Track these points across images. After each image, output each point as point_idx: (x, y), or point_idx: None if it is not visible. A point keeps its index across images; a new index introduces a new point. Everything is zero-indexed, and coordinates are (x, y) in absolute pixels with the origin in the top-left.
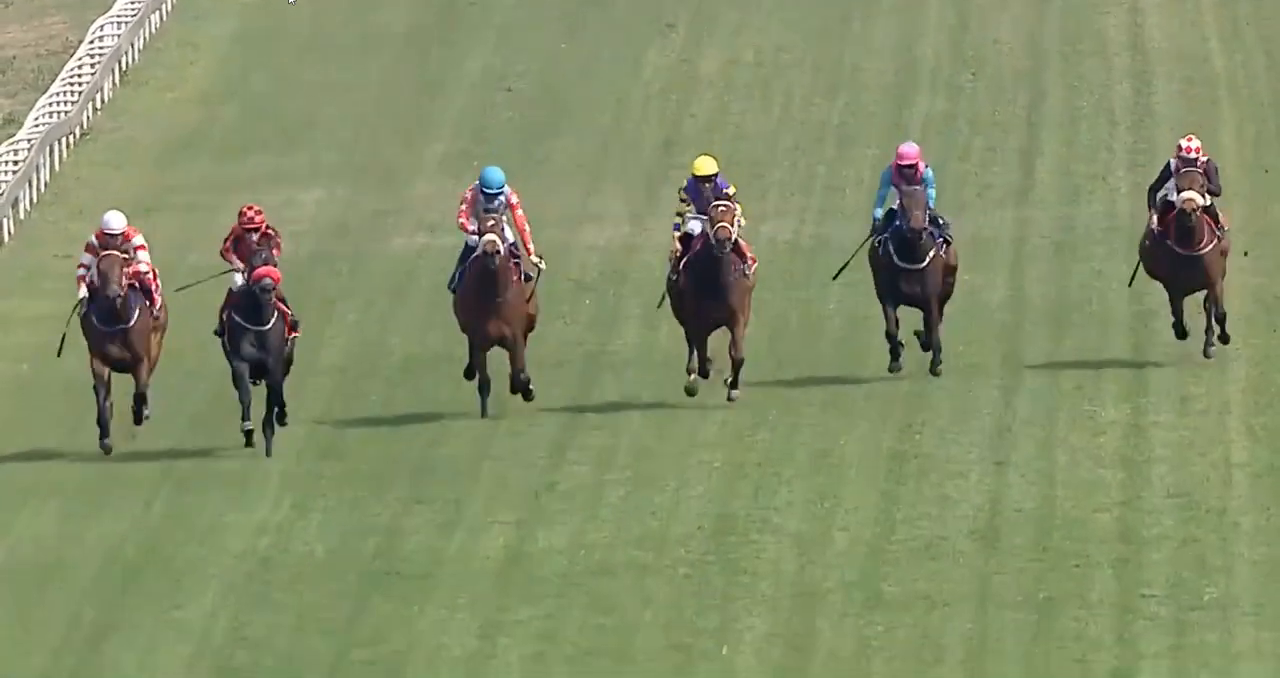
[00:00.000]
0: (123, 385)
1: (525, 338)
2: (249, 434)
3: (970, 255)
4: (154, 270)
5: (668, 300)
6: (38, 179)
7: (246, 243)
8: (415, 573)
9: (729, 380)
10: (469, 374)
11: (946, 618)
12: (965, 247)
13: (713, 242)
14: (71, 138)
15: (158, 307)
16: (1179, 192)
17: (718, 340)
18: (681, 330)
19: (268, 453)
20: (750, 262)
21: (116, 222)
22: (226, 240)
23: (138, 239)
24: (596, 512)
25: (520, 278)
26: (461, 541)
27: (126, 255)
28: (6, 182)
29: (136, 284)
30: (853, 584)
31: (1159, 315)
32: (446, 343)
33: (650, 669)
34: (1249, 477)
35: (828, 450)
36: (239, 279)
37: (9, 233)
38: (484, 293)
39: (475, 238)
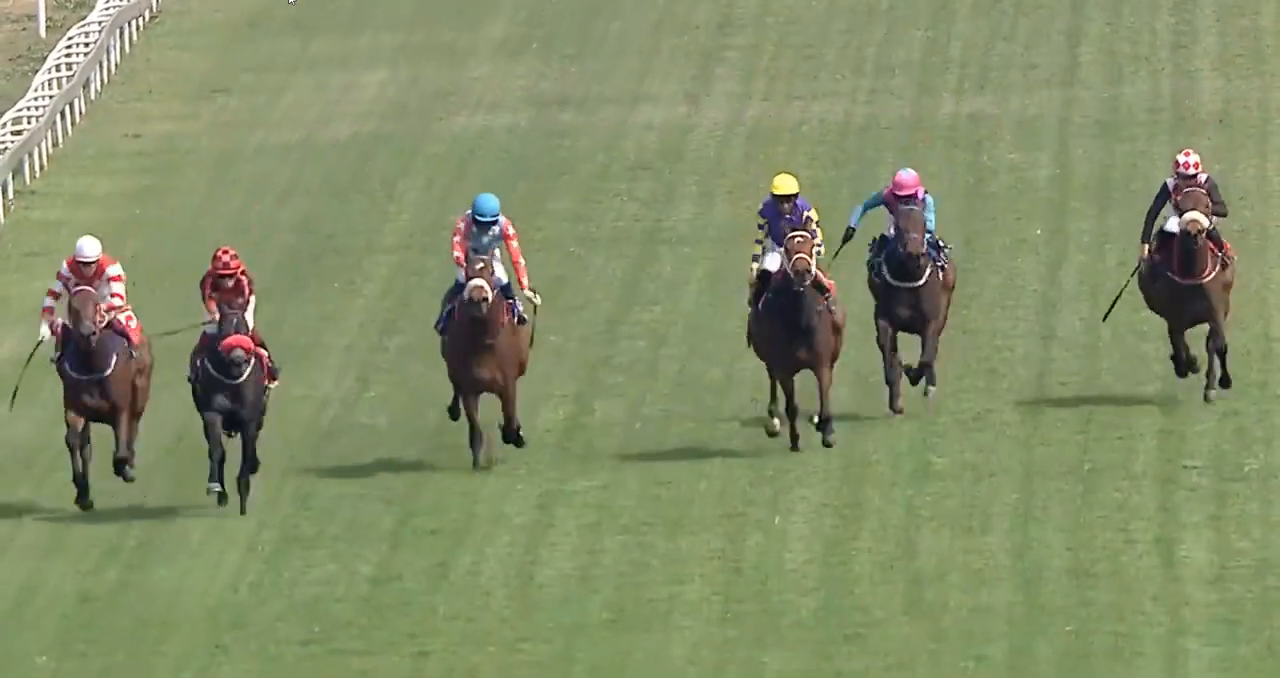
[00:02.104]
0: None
1: (516, 382)
2: (220, 496)
3: (1017, 136)
4: (128, 308)
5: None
6: (109, 61)
7: (222, 289)
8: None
9: (818, 421)
10: (454, 414)
11: (993, 488)
12: (1012, 129)
13: (790, 275)
14: (142, 20)
15: (138, 347)
16: (1180, 212)
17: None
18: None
19: (242, 511)
20: (829, 291)
21: (90, 249)
22: (205, 284)
23: (113, 268)
24: (653, 385)
25: (513, 319)
26: (521, 413)
27: (99, 294)
28: (78, 63)
29: (112, 324)
30: (901, 456)
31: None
32: (512, 212)
33: (704, 539)
34: None
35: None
36: (213, 328)
37: (80, 113)
38: (474, 338)
39: (463, 275)
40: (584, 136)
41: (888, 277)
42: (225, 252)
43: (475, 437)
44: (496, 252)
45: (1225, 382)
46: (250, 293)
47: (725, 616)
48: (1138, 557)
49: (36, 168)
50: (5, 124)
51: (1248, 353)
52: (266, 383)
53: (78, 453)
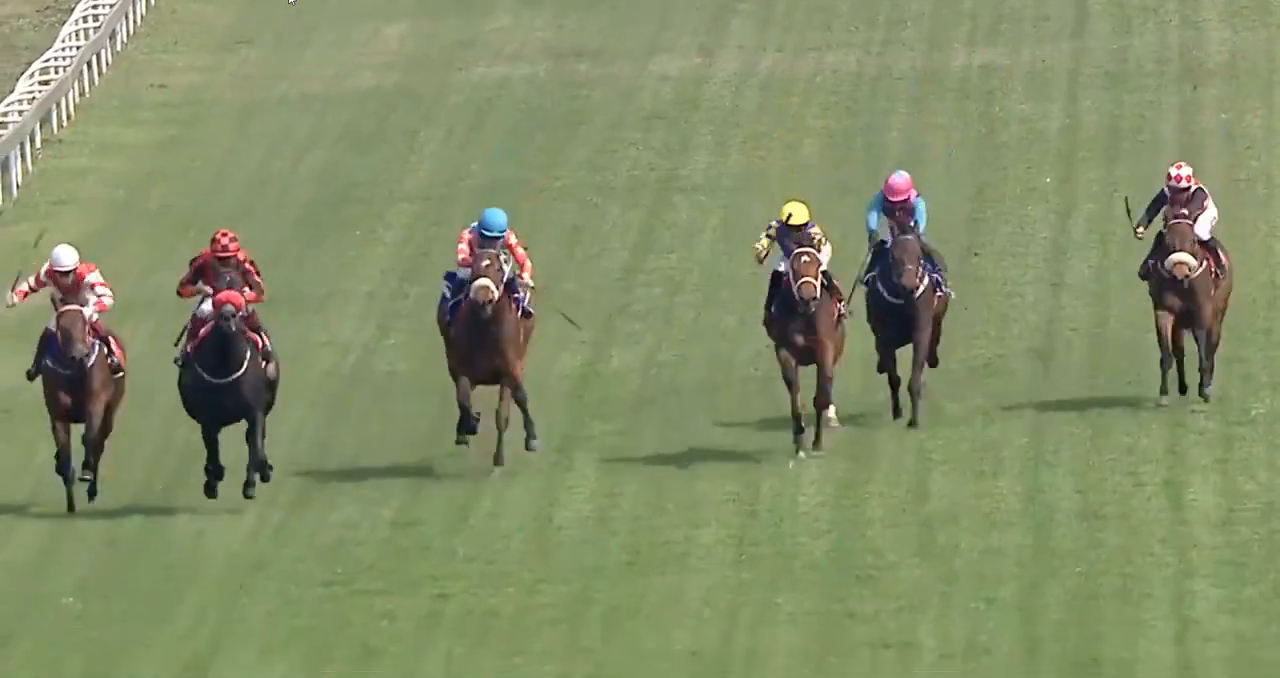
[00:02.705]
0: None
1: (520, 368)
2: (212, 485)
3: (1027, 86)
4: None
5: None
6: (135, 12)
7: (217, 273)
8: (493, 391)
9: (817, 400)
10: (465, 427)
11: (1003, 433)
12: (1023, 80)
13: (798, 300)
14: None
15: (118, 357)
16: (1168, 251)
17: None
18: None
19: (246, 494)
20: (835, 300)
21: (67, 258)
22: (192, 267)
23: (92, 276)
24: (668, 332)
25: (518, 312)
26: (539, 359)
27: (84, 307)
28: (105, 14)
29: (96, 337)
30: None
31: (1208, 142)
32: (523, 169)
33: (719, 483)
34: None
35: None
36: (206, 307)
37: (107, 63)
38: (476, 334)
39: (470, 271)
40: (601, 87)
41: (884, 293)
42: (225, 234)
43: (466, 421)
44: (502, 256)
45: (1206, 385)
46: (255, 274)
47: (740, 558)
48: (1146, 500)
49: (64, 117)
50: (33, 74)
51: (1254, 301)
52: (265, 366)
53: (67, 449)
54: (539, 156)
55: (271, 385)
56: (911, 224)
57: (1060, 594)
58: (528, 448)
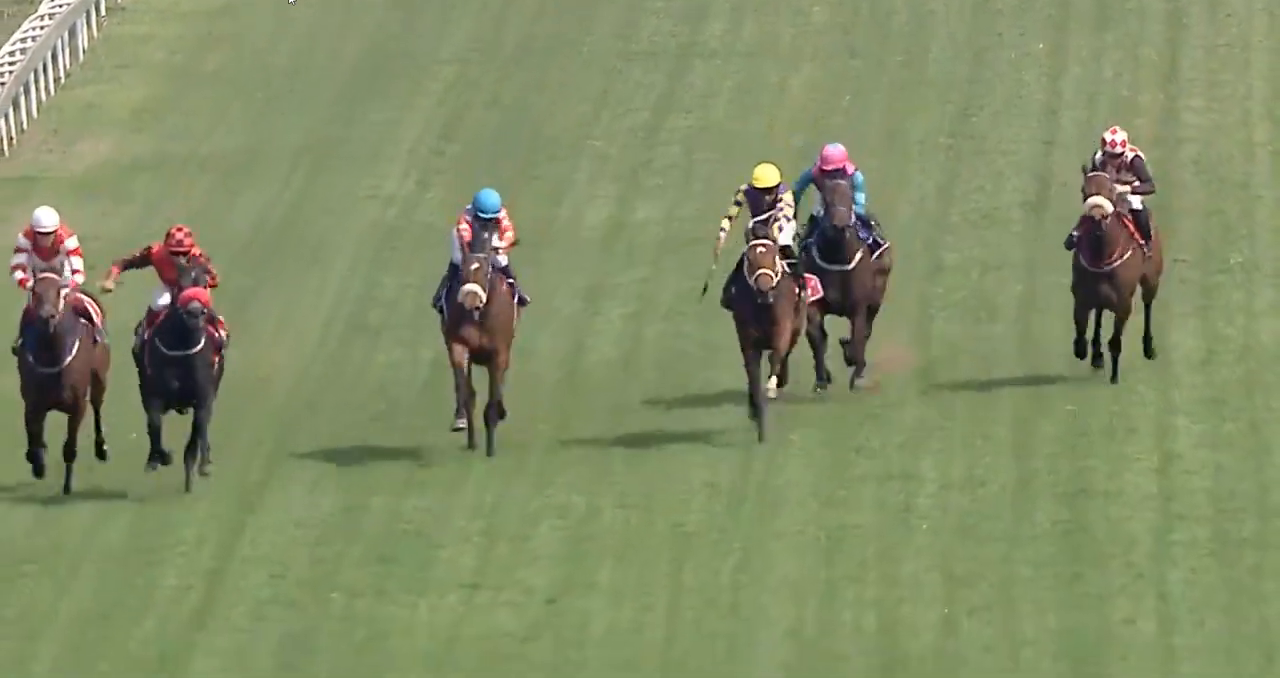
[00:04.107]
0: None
1: (507, 354)
2: (158, 459)
3: None
4: (90, 296)
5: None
6: None
7: (173, 265)
8: (528, 240)
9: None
10: (461, 411)
11: (999, 281)
12: None
13: (755, 290)
14: None
15: (99, 327)
16: (1084, 197)
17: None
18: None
19: (187, 488)
20: (809, 287)
21: (48, 219)
22: (140, 254)
23: (71, 241)
24: (688, 187)
25: (513, 297)
26: (568, 213)
27: (62, 278)
28: None
29: (81, 312)
30: (916, 254)
31: (1192, 11)
32: (561, 27)
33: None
34: (1270, 155)
35: (894, 130)
36: (163, 299)
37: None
38: (468, 321)
39: (460, 259)
40: None
41: (818, 258)
42: (180, 229)
43: (464, 398)
44: (495, 239)
45: (1114, 345)
46: (210, 273)
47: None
48: (1131, 344)
49: None
50: None
51: (1231, 157)
52: (216, 358)
53: (39, 440)
54: (567, 24)
55: (216, 378)
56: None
57: (1052, 431)
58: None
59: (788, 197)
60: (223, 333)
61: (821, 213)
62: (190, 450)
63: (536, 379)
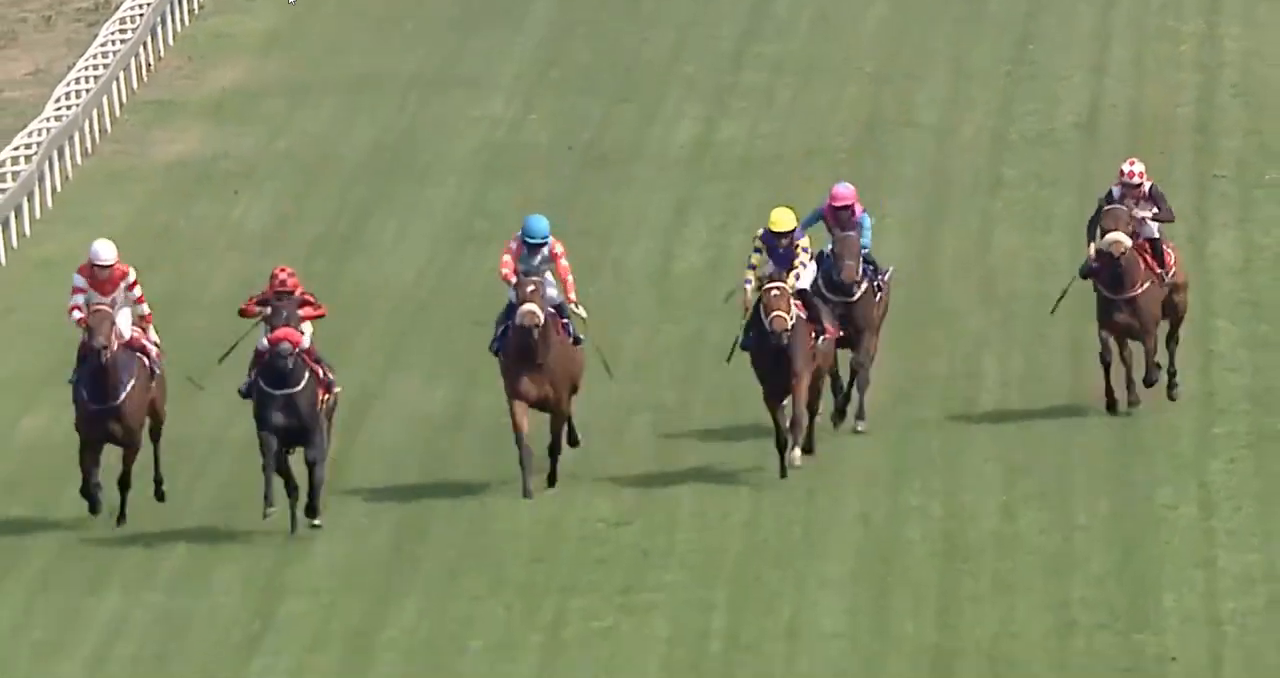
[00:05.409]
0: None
1: (570, 401)
2: (272, 505)
3: None
4: (148, 324)
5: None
6: None
7: (275, 308)
8: (621, 159)
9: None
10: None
11: (1054, 195)
12: None
13: (769, 332)
14: None
15: (156, 361)
16: (1102, 233)
17: None
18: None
19: (292, 530)
20: (810, 329)
21: (107, 252)
22: (252, 299)
23: (131, 276)
24: (770, 108)
25: (566, 337)
26: (659, 133)
27: (114, 308)
28: None
29: (137, 348)
30: (979, 170)
31: None
32: None
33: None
34: None
35: (959, 57)
36: (266, 341)
37: None
38: (526, 359)
39: (514, 296)
40: None
41: (824, 291)
42: (283, 269)
43: (525, 455)
44: (548, 274)
45: (1149, 382)
46: (310, 306)
47: None
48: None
49: None
50: None
51: (1269, 81)
52: (323, 395)
53: (93, 475)
54: None
55: (329, 413)
56: (855, 223)
57: None
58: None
59: (804, 241)
60: (329, 373)
61: (830, 256)
62: (309, 493)
63: (630, 285)
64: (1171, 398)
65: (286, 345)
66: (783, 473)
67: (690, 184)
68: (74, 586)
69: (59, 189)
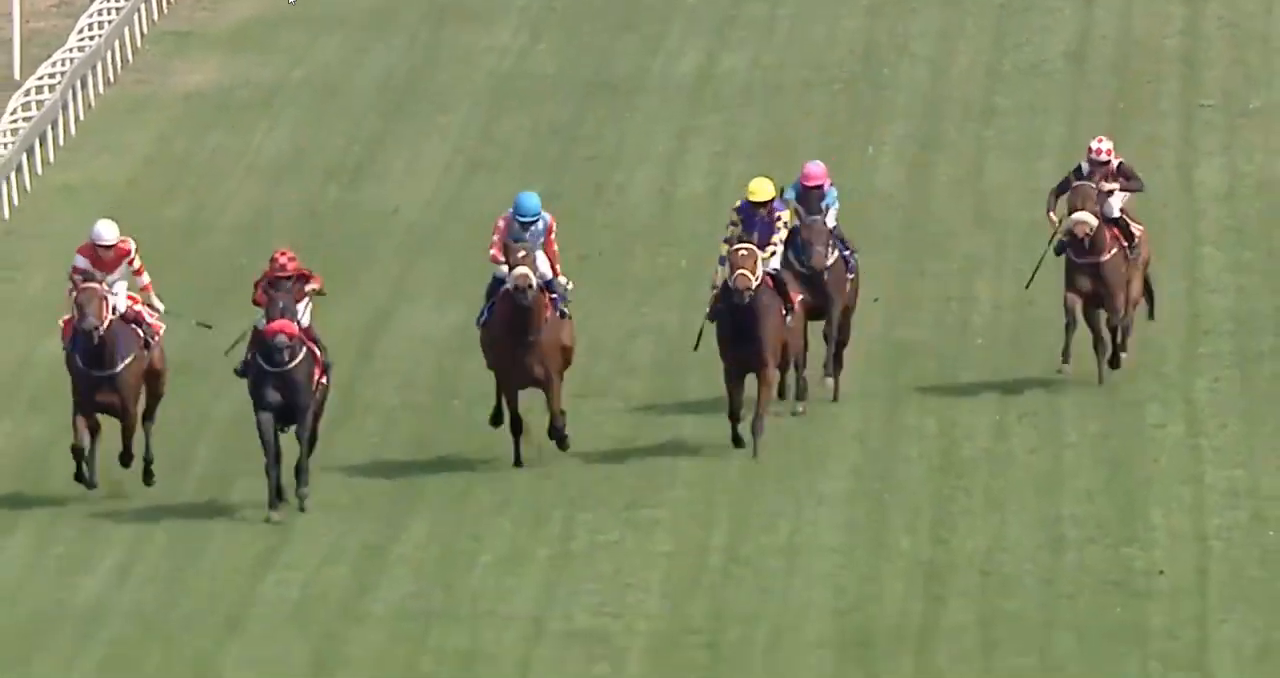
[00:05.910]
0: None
1: (561, 377)
2: (276, 494)
3: None
4: (151, 305)
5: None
6: None
7: (270, 296)
8: (626, 88)
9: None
10: (495, 421)
11: (1045, 123)
12: None
13: (732, 290)
14: None
15: (156, 339)
16: (1070, 210)
17: None
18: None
19: (301, 508)
20: (793, 302)
21: (109, 232)
22: (258, 287)
23: (132, 252)
24: (770, 39)
25: (555, 313)
26: (662, 62)
27: (111, 288)
28: None
29: (133, 319)
30: (973, 99)
31: None
32: None
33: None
34: None
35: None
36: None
37: None
38: (516, 332)
39: (505, 270)
40: None
41: (794, 263)
42: (283, 253)
43: (517, 427)
44: (537, 252)
45: (1115, 362)
46: (308, 292)
47: None
48: (1163, 178)
49: None
50: None
51: (1253, 13)
52: (319, 376)
53: (82, 455)
54: None
55: (323, 391)
56: (823, 206)
57: None
58: (559, 442)
59: (786, 215)
60: (325, 356)
61: (800, 241)
62: (296, 471)
63: (634, 210)
64: (1113, 365)
65: (283, 338)
66: (754, 453)
67: (692, 113)
68: (95, 502)
69: (82, 118)
